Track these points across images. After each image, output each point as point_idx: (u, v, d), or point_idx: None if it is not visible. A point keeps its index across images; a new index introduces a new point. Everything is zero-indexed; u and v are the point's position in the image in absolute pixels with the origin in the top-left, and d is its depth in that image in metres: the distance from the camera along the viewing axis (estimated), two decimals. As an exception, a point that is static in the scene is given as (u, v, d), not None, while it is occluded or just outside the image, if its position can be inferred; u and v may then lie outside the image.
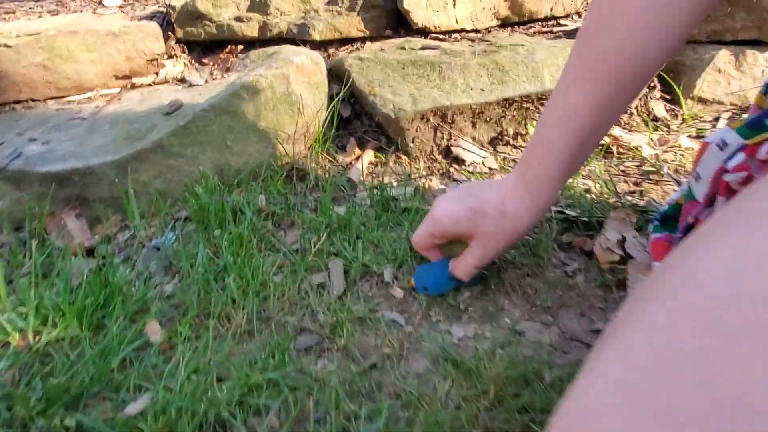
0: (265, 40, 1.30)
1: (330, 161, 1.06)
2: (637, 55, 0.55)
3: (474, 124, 1.08)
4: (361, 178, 1.00)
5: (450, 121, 1.05)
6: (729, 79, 1.24)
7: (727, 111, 1.25)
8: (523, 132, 1.12)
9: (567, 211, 0.84)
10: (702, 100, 1.23)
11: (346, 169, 1.04)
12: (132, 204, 0.89)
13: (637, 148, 1.06)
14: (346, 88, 1.09)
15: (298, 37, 1.29)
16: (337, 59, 1.16)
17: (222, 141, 0.98)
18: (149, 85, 1.22)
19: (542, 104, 1.10)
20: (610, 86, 0.57)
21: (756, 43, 1.23)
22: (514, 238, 0.65)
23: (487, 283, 0.72)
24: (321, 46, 1.32)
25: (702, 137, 1.16)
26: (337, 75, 1.15)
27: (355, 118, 1.14)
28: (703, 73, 1.23)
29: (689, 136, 1.13)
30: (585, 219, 0.82)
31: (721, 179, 0.48)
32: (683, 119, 1.21)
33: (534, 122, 1.12)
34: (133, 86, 1.22)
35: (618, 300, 0.70)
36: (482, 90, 1.05)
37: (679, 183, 0.93)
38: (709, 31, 1.26)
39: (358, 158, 1.07)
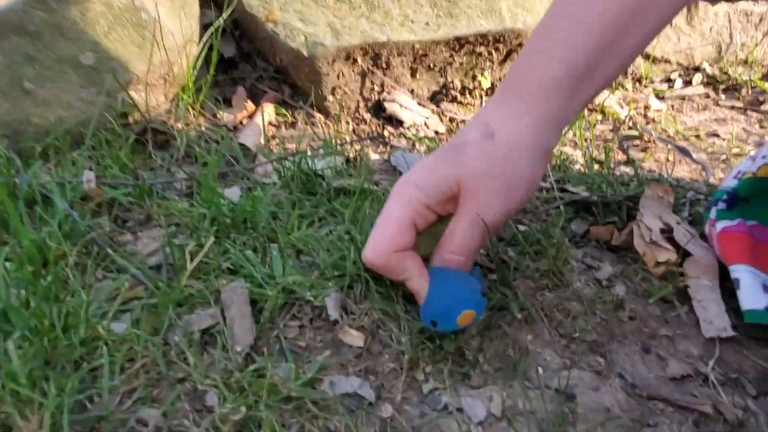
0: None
1: (208, 120, 0.70)
2: None
3: (414, 72, 0.79)
4: (261, 144, 0.66)
5: (384, 66, 0.75)
6: (679, 34, 1.09)
7: (675, 71, 1.11)
8: (471, 87, 0.86)
9: (571, 189, 0.59)
10: (652, 58, 1.07)
11: (235, 131, 0.69)
12: None
13: (608, 108, 0.86)
14: (229, 12, 0.73)
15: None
16: (211, -30, 0.78)
17: (14, 81, 0.57)
18: None
19: (497, 49, 0.84)
20: None
21: (708, -5, 1.10)
22: (514, 174, 0.40)
23: (491, 305, 0.44)
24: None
25: (663, 98, 1.00)
26: (212, -4, 0.78)
27: (243, 59, 0.79)
28: (657, 26, 1.08)
29: (657, 97, 0.96)
30: (596, 199, 0.57)
31: None
32: (639, 79, 1.04)
33: (485, 73, 0.86)
34: None
35: (686, 320, 0.46)
36: (427, 24, 0.76)
37: (682, 151, 0.73)
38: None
39: (251, 116, 0.72)
